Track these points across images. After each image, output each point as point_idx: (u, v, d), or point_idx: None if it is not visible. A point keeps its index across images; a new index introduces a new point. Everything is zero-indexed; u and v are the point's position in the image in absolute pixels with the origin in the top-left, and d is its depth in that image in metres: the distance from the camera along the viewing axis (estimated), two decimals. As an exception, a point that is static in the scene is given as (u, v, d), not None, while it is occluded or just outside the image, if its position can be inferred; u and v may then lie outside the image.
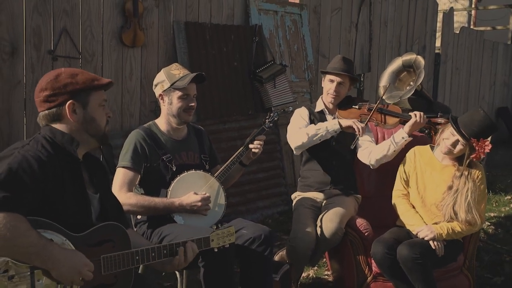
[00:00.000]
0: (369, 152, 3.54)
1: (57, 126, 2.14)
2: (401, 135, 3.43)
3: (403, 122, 3.47)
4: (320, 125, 3.45)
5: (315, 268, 4.03)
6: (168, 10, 4.98)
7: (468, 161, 3.18)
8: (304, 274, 3.86)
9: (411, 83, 4.44)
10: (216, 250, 2.46)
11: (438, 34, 8.66)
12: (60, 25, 4.31)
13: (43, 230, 1.94)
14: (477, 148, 3.11)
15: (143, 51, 4.81)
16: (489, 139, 3.13)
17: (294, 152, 3.57)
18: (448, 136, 3.22)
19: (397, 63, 4.53)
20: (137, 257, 2.13)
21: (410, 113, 3.45)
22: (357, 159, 3.71)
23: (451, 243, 3.22)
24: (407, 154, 3.45)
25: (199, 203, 2.86)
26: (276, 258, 3.70)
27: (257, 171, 5.43)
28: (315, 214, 3.42)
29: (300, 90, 5.96)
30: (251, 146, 3.17)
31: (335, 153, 3.56)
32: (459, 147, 3.19)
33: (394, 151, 3.46)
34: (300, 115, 3.61)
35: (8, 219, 1.84)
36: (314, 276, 3.94)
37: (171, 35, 5.00)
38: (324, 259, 3.98)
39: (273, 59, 5.58)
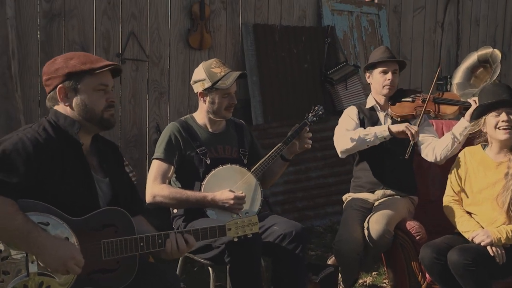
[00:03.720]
0: (433, 148, 3.29)
1: (60, 109, 2.16)
2: (463, 124, 3.17)
3: (464, 110, 3.21)
4: (369, 130, 3.24)
5: (375, 274, 3.79)
6: (236, 12, 5.00)
7: None
8: (360, 281, 3.64)
9: (488, 79, 4.08)
10: (235, 240, 2.34)
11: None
12: (128, 29, 4.47)
13: (39, 213, 1.96)
14: None
15: (210, 53, 4.85)
16: None
17: (340, 155, 3.39)
18: (495, 121, 2.94)
19: (472, 58, 4.22)
20: (141, 244, 2.10)
21: (468, 100, 3.17)
22: (420, 160, 3.46)
23: (514, 250, 2.88)
24: (457, 157, 3.16)
25: (232, 201, 2.77)
26: (330, 261, 3.53)
27: (327, 176, 5.25)
28: (364, 216, 3.21)
29: (376, 93, 5.71)
30: (305, 145, 3.06)
31: (388, 152, 3.32)
32: None
33: (459, 143, 3.21)
34: (348, 115, 3.43)
35: None
36: (371, 283, 3.71)
37: (239, 37, 5.01)
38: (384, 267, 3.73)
39: (346, 60, 5.40)
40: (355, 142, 3.21)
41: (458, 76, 4.22)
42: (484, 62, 4.12)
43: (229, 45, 4.98)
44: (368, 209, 3.29)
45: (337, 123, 3.53)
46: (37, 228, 1.93)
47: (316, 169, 5.19)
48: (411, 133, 3.10)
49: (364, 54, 5.69)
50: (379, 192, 3.36)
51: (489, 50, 4.10)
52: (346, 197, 3.52)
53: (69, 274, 1.97)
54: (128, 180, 2.40)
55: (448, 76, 6.45)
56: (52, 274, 1.96)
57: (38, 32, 4.11)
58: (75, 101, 2.13)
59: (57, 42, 4.17)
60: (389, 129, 3.18)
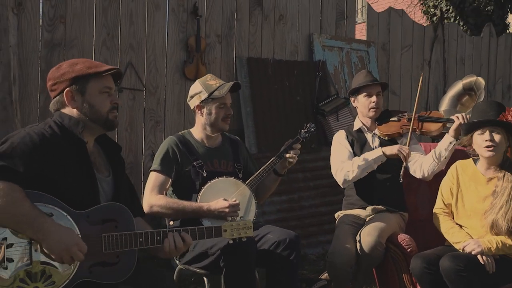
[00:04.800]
0: (420, 164, 3.42)
1: (66, 111, 2.27)
2: (448, 140, 3.30)
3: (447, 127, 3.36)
4: (366, 156, 3.38)
5: (367, 294, 3.83)
6: (230, 46, 5.18)
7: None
8: (353, 299, 3.67)
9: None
10: (231, 242, 2.42)
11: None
12: (126, 59, 4.63)
13: (44, 204, 2.04)
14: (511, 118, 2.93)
15: (205, 84, 4.99)
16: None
17: (341, 186, 3.51)
18: (480, 139, 3.03)
19: (457, 86, 4.38)
20: (140, 239, 2.16)
21: (451, 117, 3.31)
22: (409, 181, 3.56)
23: (505, 261, 2.94)
24: (449, 170, 3.27)
25: (227, 209, 2.85)
26: (323, 277, 3.57)
27: (319, 205, 5.33)
28: (356, 230, 3.29)
29: (367, 125, 5.85)
30: (287, 155, 3.15)
31: (379, 170, 3.43)
32: (496, 136, 3.00)
33: (445, 158, 3.33)
34: (339, 142, 3.56)
35: (2, 186, 1.96)
36: (364, 302, 3.74)
37: (233, 70, 5.18)
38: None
39: (337, 93, 5.57)
40: (355, 173, 3.34)
41: (445, 103, 4.37)
42: (469, 90, 4.28)
43: (224, 77, 5.12)
44: (360, 224, 3.36)
45: (328, 154, 3.65)
46: (43, 214, 2.01)
47: (308, 198, 5.27)
48: (403, 155, 3.23)
49: (354, 88, 5.86)
50: (370, 208, 3.45)
51: (473, 78, 4.28)
52: (338, 214, 3.60)
53: (73, 261, 2.03)
54: (129, 183, 2.48)
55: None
56: (54, 264, 2.02)
57: (39, 61, 4.25)
58: (82, 103, 2.25)
59: (57, 70, 4.30)
60: (383, 153, 3.31)
